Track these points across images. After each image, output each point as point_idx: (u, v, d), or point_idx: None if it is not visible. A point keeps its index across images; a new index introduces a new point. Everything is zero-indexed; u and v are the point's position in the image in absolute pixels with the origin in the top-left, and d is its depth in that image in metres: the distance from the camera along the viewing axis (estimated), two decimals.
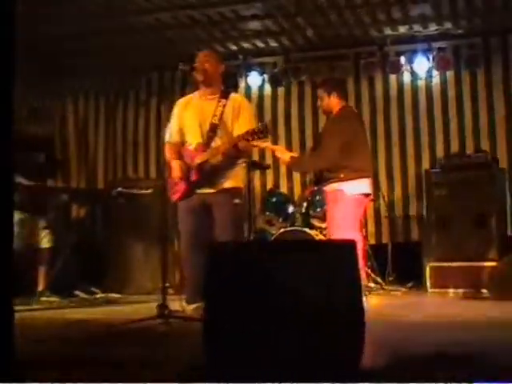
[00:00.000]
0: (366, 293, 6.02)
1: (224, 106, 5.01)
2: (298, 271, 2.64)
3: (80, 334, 4.37)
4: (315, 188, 6.94)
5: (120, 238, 7.75)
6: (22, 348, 2.70)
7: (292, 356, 2.52)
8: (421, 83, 8.34)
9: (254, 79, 8.78)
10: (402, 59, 8.24)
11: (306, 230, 6.91)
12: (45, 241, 6.87)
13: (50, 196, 7.02)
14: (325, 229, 6.58)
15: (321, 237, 6.72)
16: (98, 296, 7.26)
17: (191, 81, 5.64)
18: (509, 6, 7.05)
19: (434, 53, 8.08)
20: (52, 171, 7.12)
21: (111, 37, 7.87)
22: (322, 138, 5.90)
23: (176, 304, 4.93)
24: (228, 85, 5.41)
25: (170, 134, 5.17)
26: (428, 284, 7.03)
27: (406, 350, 3.32)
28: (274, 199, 7.65)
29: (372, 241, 8.08)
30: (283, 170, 8.64)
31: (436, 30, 7.88)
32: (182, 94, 6.23)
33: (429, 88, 8.32)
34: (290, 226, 7.17)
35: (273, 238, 7.08)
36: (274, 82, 8.80)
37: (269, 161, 8.50)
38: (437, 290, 6.92)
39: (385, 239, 8.16)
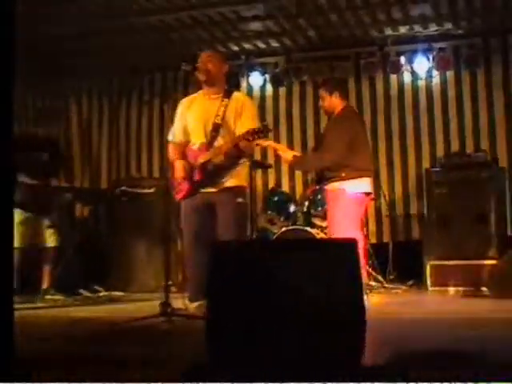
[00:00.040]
0: (367, 291, 6.06)
1: (227, 105, 5.02)
2: (300, 270, 2.65)
3: (83, 332, 4.40)
4: (317, 187, 6.96)
5: (123, 236, 7.77)
6: (24, 347, 2.72)
7: (293, 354, 2.54)
8: (421, 83, 8.35)
9: (256, 79, 8.80)
10: (403, 59, 8.25)
11: (308, 228, 6.94)
12: (49, 240, 6.88)
13: (53, 195, 7.02)
14: (326, 227, 6.60)
15: (322, 235, 6.74)
16: (101, 294, 7.28)
17: (194, 81, 5.67)
18: (508, 7, 7.05)
19: (434, 53, 8.09)
20: (56, 171, 7.13)
21: (114, 37, 7.89)
22: (325, 137, 5.93)
23: (179, 302, 4.92)
24: (230, 85, 5.44)
25: (174, 133, 5.19)
26: (428, 282, 7.03)
27: (407, 347, 3.33)
28: (276, 198, 7.67)
29: (373, 240, 8.08)
30: (285, 169, 8.66)
31: (436, 30, 7.89)
32: (185, 94, 6.27)
33: (429, 88, 8.33)
34: (292, 225, 7.19)
35: (274, 236, 7.09)
36: (276, 82, 8.82)
37: (270, 160, 8.55)
38: (437, 288, 6.92)
39: (386, 238, 8.17)
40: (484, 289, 6.41)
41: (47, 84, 8.94)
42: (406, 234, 8.32)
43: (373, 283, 7.05)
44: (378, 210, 8.28)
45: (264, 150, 8.62)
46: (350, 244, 2.74)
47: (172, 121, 5.23)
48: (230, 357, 2.62)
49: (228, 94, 5.12)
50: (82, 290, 7.18)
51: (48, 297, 6.75)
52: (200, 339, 2.68)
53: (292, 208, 7.48)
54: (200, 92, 5.27)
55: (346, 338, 2.57)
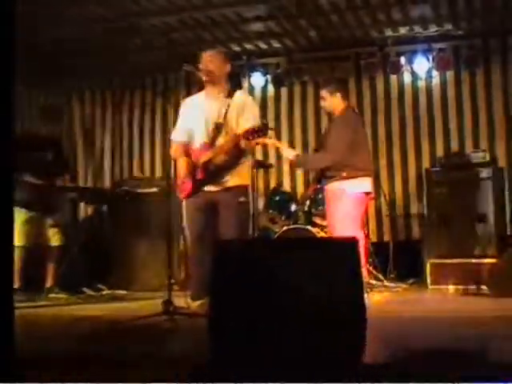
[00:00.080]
0: (368, 289, 6.09)
1: (229, 105, 5.02)
2: (301, 268, 2.66)
3: (86, 331, 4.41)
4: (317, 186, 6.99)
5: (126, 235, 7.79)
6: (25, 346, 2.70)
7: (294, 352, 2.56)
8: (421, 83, 8.38)
9: (257, 79, 8.81)
10: (403, 60, 8.28)
11: (309, 227, 6.98)
12: (53, 239, 6.90)
13: (58, 195, 7.03)
14: (326, 226, 6.66)
15: (322, 234, 6.78)
16: (104, 293, 7.29)
17: (196, 81, 5.70)
18: (508, 8, 7.07)
19: (434, 53, 8.12)
20: (60, 170, 7.16)
21: (116, 38, 7.92)
22: (327, 137, 5.96)
23: (181, 300, 4.90)
24: (232, 84, 5.45)
25: (176, 133, 5.19)
26: (428, 281, 7.06)
27: (407, 345, 3.36)
28: (278, 198, 7.73)
29: (374, 239, 8.09)
30: (286, 168, 8.72)
31: (436, 31, 7.91)
32: (188, 94, 6.31)
33: (429, 88, 8.36)
34: (293, 224, 7.23)
35: (276, 235, 7.13)
36: (277, 82, 8.84)
37: (272, 160, 8.62)
38: (437, 287, 6.95)
39: (386, 237, 8.19)
40: (483, 287, 6.40)
41: (50, 84, 8.99)
42: (407, 233, 8.35)
43: (373, 282, 7.05)
44: (378, 210, 8.30)
45: (265, 151, 8.69)
46: (351, 243, 2.75)
47: (174, 121, 5.23)
48: (231, 354, 2.62)
49: (230, 94, 5.12)
50: (85, 289, 7.18)
51: (52, 295, 6.77)
52: (202, 337, 2.69)
53: (293, 207, 7.53)
54: (202, 92, 5.28)
55: (347, 335, 2.58)
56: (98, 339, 3.98)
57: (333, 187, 5.77)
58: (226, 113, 5.01)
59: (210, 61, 5.04)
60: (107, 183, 9.38)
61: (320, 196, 7.04)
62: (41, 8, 6.65)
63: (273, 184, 8.65)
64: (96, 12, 7.18)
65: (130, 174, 9.33)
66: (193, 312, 4.69)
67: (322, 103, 6.11)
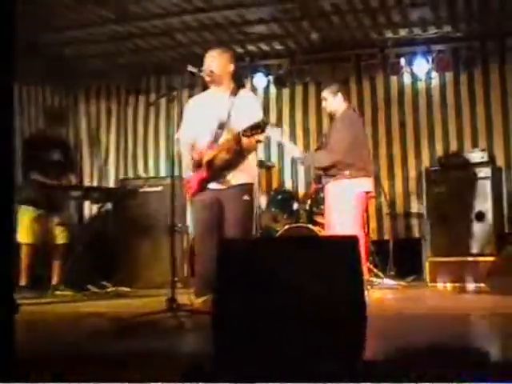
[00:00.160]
0: (368, 287, 6.16)
1: (232, 103, 5.03)
2: (303, 266, 2.67)
3: (90, 328, 4.48)
4: (319, 185, 7.06)
5: (130, 234, 7.85)
6: (28, 344, 2.77)
7: (295, 348, 2.57)
8: (420, 84, 8.41)
9: (260, 80, 8.82)
10: (402, 61, 8.31)
11: (310, 226, 7.05)
12: (59, 237, 6.99)
13: (64, 193, 7.09)
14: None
15: (323, 233, 6.83)
16: (108, 290, 7.33)
17: (200, 81, 5.73)
18: (505, 10, 7.12)
19: (434, 55, 8.15)
20: (67, 169, 7.23)
21: (122, 40, 8.02)
22: (330, 137, 6.02)
23: (184, 297, 4.88)
24: (237, 83, 5.46)
25: (182, 132, 5.20)
26: (428, 278, 7.12)
27: (407, 342, 3.40)
28: (280, 196, 7.78)
29: (374, 237, 8.10)
30: (288, 168, 8.81)
31: (435, 33, 7.95)
32: (192, 94, 6.37)
33: (428, 89, 8.39)
34: (295, 223, 7.29)
35: (278, 234, 7.18)
36: (279, 83, 8.86)
37: (274, 159, 8.70)
38: (436, 285, 7.01)
39: (386, 235, 8.23)
40: (482, 285, 6.40)
41: (56, 84, 9.06)
42: (406, 231, 8.38)
43: (373, 279, 7.11)
44: (378, 209, 8.33)
45: (267, 149, 8.77)
46: (352, 241, 2.75)
47: (179, 121, 5.24)
48: (234, 350, 2.63)
49: (234, 93, 5.12)
50: (90, 286, 7.22)
51: (58, 292, 6.86)
52: (205, 334, 2.73)
53: (295, 206, 7.59)
54: (207, 91, 5.31)
55: (347, 333, 2.59)
56: (101, 336, 4.01)
57: (335, 186, 5.86)
58: (230, 111, 5.02)
59: (212, 61, 5.07)
60: (112, 182, 9.42)
61: (321, 195, 7.08)
62: (44, 9, 6.75)
63: (275, 183, 8.72)
64: (100, 14, 7.24)
65: (135, 173, 9.37)
66: (196, 309, 4.69)
67: (324, 104, 6.21)
